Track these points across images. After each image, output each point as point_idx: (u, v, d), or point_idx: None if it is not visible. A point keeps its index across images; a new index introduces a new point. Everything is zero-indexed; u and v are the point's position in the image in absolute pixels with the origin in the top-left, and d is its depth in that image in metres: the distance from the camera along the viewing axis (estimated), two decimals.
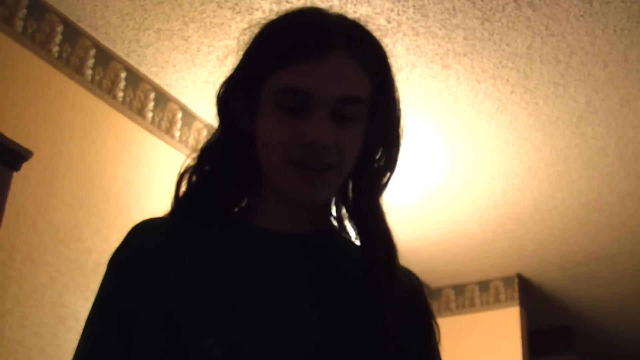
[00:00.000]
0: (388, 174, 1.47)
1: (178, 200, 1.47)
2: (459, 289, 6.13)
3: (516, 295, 5.87)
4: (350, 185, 1.47)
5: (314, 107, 1.34)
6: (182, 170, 1.48)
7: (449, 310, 6.08)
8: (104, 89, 3.68)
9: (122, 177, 3.69)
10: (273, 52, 1.38)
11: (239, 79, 1.45)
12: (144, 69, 3.85)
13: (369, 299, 1.37)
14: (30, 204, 3.24)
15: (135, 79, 3.86)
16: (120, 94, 3.77)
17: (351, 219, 1.48)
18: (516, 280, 5.88)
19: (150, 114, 3.92)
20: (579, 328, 6.71)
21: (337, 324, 1.35)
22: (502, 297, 5.92)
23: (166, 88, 3.96)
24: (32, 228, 3.23)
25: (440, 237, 5.32)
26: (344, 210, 1.50)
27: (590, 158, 4.44)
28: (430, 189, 4.76)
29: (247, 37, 1.45)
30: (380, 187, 1.47)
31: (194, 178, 1.47)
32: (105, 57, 3.71)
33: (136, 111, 3.83)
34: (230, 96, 1.46)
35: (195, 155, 1.49)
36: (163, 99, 3.99)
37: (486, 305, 5.99)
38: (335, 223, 1.52)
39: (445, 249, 5.50)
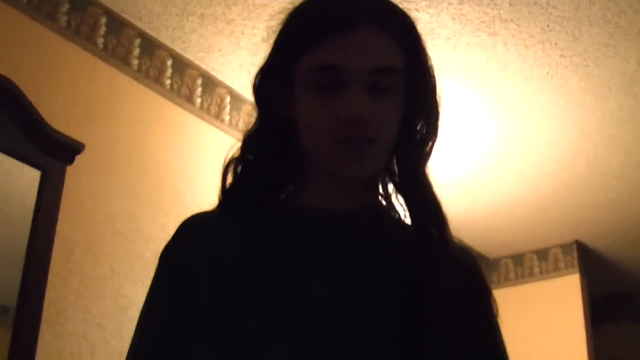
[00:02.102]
0: (430, 143, 1.46)
1: (225, 192, 1.47)
2: (518, 258, 6.08)
3: (575, 262, 5.82)
4: (395, 160, 1.47)
5: (349, 82, 1.33)
6: (226, 161, 1.48)
7: (508, 281, 6.05)
8: (151, 77, 3.68)
9: (175, 165, 3.69)
10: (302, 34, 1.39)
11: (272, 66, 1.46)
12: (189, 55, 3.84)
13: (423, 273, 1.36)
14: (86, 197, 3.26)
15: (182, 65, 3.86)
16: (168, 82, 3.77)
17: (399, 192, 1.47)
18: (575, 247, 5.84)
19: (198, 100, 3.92)
20: None
21: (394, 301, 1.34)
22: (562, 265, 5.88)
23: (213, 73, 3.96)
24: (89, 220, 3.25)
25: (496, 207, 5.27)
26: (391, 187, 1.49)
27: None
28: (482, 159, 4.71)
29: (276, 25, 1.46)
30: (424, 156, 1.46)
31: (239, 168, 1.47)
32: (150, 46, 3.71)
33: (185, 98, 3.83)
34: (266, 84, 1.47)
35: (238, 145, 1.49)
36: (210, 84, 3.99)
37: (545, 274, 5.94)
38: (383, 201, 1.51)
39: (501, 219, 5.45)
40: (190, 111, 3.86)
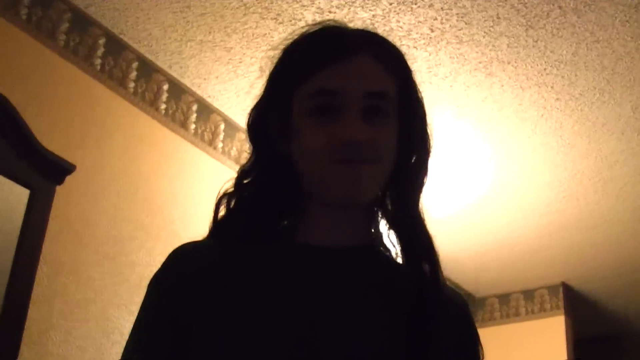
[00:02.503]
0: (423, 177, 1.47)
1: (217, 224, 1.47)
2: (504, 298, 6.08)
3: (561, 304, 5.82)
4: (389, 194, 1.47)
5: (345, 107, 1.36)
6: (220, 195, 1.48)
7: (493, 320, 6.04)
8: (147, 101, 3.68)
9: (166, 190, 3.68)
10: (299, 65, 1.42)
11: (268, 100, 1.47)
12: (186, 81, 3.84)
13: (417, 308, 1.37)
14: (74, 218, 3.24)
15: (178, 90, 3.85)
16: (163, 106, 3.76)
17: (391, 227, 1.48)
18: (561, 289, 5.83)
19: (193, 126, 3.91)
20: (627, 336, 6.63)
21: (397, 338, 1.34)
22: (547, 306, 5.87)
23: (209, 100, 3.95)
24: (76, 242, 3.23)
25: (485, 247, 5.27)
26: (384, 224, 1.49)
27: (637, 164, 4.38)
28: (475, 197, 4.72)
29: (270, 62, 1.48)
30: (418, 191, 1.46)
31: (232, 203, 1.46)
32: (147, 70, 3.71)
33: (179, 123, 3.83)
34: (262, 120, 1.47)
35: (232, 180, 1.49)
36: (206, 110, 3.99)
37: (531, 314, 5.94)
38: (377, 237, 1.51)
39: (489, 258, 5.45)
40: (184, 137, 3.85)
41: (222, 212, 1.48)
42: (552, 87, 3.81)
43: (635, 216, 4.88)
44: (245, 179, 1.49)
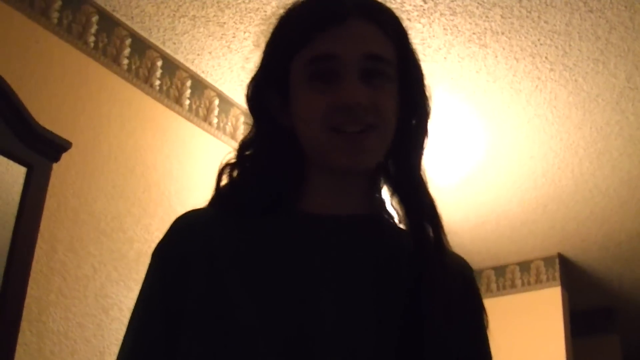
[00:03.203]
0: (424, 140, 1.46)
1: (219, 194, 1.46)
2: (500, 269, 6.08)
3: (557, 275, 5.82)
4: (391, 159, 1.47)
5: (343, 71, 1.35)
6: (221, 166, 1.47)
7: (490, 292, 6.04)
8: (141, 78, 3.67)
9: (162, 166, 3.68)
10: (293, 34, 1.40)
11: (265, 71, 1.46)
12: (180, 57, 3.83)
13: (421, 280, 1.36)
14: (71, 195, 3.24)
15: (172, 67, 3.85)
16: (157, 83, 3.76)
17: (395, 192, 1.47)
18: (557, 260, 5.83)
19: (187, 102, 3.91)
20: (621, 309, 6.64)
21: (394, 312, 1.34)
22: (543, 278, 5.88)
23: (203, 75, 3.95)
24: (74, 219, 3.23)
25: (481, 219, 5.28)
26: (388, 192, 1.49)
27: (632, 135, 4.38)
28: (470, 170, 4.72)
29: (266, 32, 1.46)
30: (419, 155, 1.46)
31: (234, 173, 1.46)
32: (141, 46, 3.70)
33: (173, 99, 3.82)
34: (261, 92, 1.46)
35: (234, 151, 1.48)
36: (200, 86, 3.98)
37: (527, 285, 5.95)
38: (381, 204, 1.51)
39: (485, 230, 5.45)
40: (179, 113, 3.85)
41: (223, 182, 1.48)
42: (546, 58, 3.80)
43: (631, 187, 4.88)
44: (247, 150, 1.48)
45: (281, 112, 1.44)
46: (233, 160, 1.47)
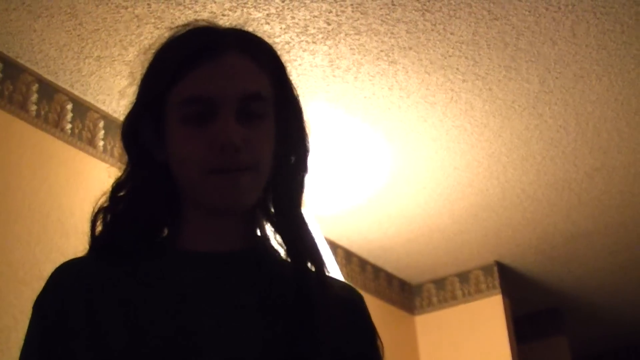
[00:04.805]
0: (304, 177, 1.45)
1: (95, 239, 1.44)
2: (439, 282, 6.08)
3: (497, 283, 5.84)
4: (271, 197, 1.46)
5: (218, 111, 1.33)
6: (95, 211, 1.45)
7: (432, 306, 6.04)
8: (51, 122, 3.62)
9: (78, 209, 3.63)
10: (168, 67, 1.38)
11: (140, 107, 1.44)
12: (89, 98, 3.80)
13: (302, 308, 1.35)
14: None
15: (82, 108, 3.80)
16: (69, 126, 3.71)
17: (276, 230, 1.46)
18: (495, 268, 5.85)
19: (101, 143, 3.86)
20: (567, 309, 6.68)
21: (279, 338, 1.33)
22: (483, 287, 5.89)
23: (115, 115, 3.91)
24: None
25: (413, 233, 5.27)
26: (269, 226, 1.48)
27: (552, 137, 4.41)
28: (394, 184, 4.70)
29: (140, 69, 1.45)
30: (298, 192, 1.45)
31: (108, 218, 1.44)
32: (49, 90, 3.66)
33: (86, 141, 3.78)
34: (135, 128, 1.44)
35: (107, 194, 1.47)
36: (113, 126, 3.94)
37: (468, 296, 5.96)
38: (264, 242, 1.50)
39: (419, 244, 5.44)
40: (93, 155, 3.80)
41: (99, 227, 1.46)
42: (457, 69, 3.82)
43: (558, 189, 4.92)
44: (120, 191, 1.46)
45: (157, 147, 1.42)
46: (106, 204, 1.46)
